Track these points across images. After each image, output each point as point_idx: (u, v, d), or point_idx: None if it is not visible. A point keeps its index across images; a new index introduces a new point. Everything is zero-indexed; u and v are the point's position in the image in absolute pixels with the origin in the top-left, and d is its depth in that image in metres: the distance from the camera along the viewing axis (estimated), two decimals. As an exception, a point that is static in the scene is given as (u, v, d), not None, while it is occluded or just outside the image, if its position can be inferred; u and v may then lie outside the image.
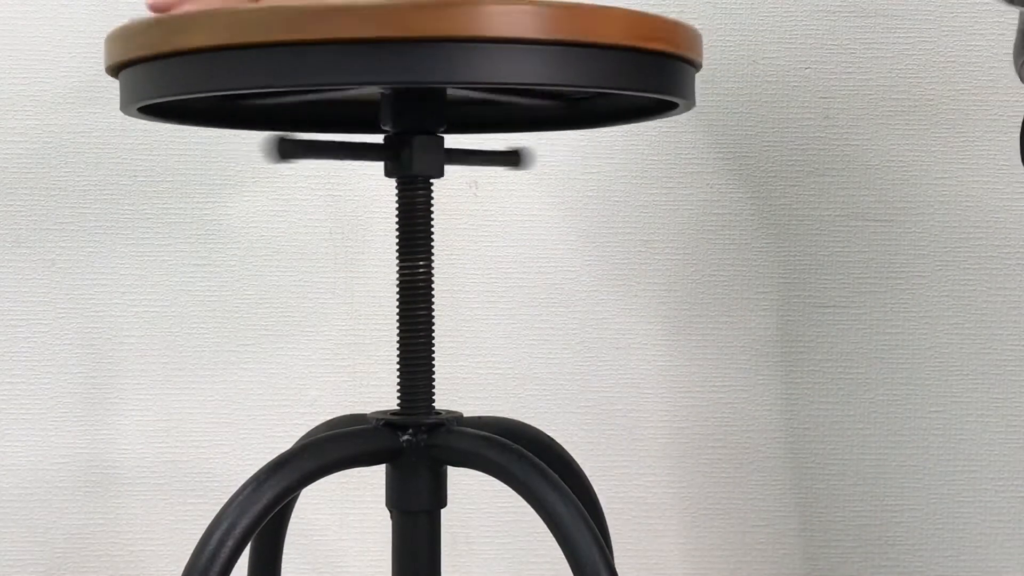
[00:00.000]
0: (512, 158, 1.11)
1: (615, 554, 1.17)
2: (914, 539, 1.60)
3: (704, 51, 1.01)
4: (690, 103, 0.98)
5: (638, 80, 0.92)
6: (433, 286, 1.05)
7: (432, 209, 1.05)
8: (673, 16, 0.94)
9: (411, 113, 1.03)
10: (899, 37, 1.56)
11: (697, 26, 0.98)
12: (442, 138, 1.04)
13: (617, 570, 0.96)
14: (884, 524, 1.59)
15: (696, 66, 0.98)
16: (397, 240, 1.05)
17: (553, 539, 0.96)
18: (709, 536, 1.59)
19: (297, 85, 0.88)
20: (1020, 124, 1.11)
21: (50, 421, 1.54)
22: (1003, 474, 1.59)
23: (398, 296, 1.05)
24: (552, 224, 1.56)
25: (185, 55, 0.89)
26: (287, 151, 0.99)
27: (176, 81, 0.90)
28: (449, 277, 1.54)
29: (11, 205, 1.53)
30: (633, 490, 1.58)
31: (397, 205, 1.05)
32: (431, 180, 1.05)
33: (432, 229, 1.05)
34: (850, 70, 1.56)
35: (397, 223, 1.05)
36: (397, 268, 1.05)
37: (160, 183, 1.54)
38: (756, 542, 1.59)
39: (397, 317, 1.06)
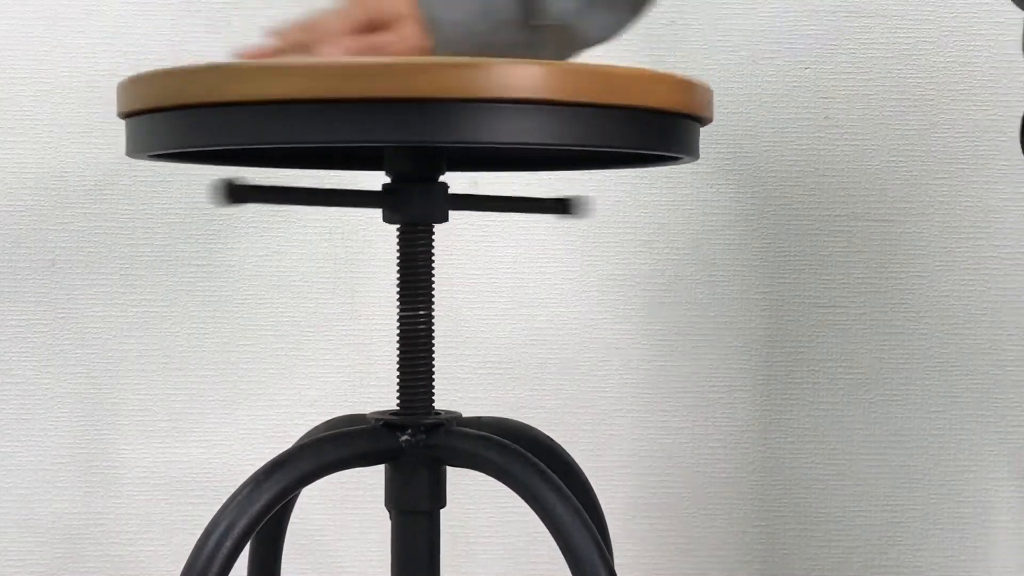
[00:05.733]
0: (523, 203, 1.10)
1: (614, 554, 1.17)
2: (914, 539, 1.60)
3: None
4: (694, 158, 0.97)
5: (644, 140, 0.90)
6: (434, 324, 1.04)
7: (433, 254, 1.03)
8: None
9: (414, 161, 1.02)
10: (899, 37, 1.56)
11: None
12: (445, 184, 1.03)
13: (616, 570, 0.96)
14: (884, 524, 1.59)
15: (704, 123, 0.97)
16: (398, 287, 1.04)
17: (552, 539, 0.96)
18: (709, 536, 1.59)
19: (308, 142, 0.86)
20: (1021, 118, 1.11)
21: (50, 421, 1.54)
22: (1003, 474, 1.59)
23: (399, 343, 1.04)
24: (552, 224, 1.56)
25: (192, 109, 0.87)
26: (238, 195, 0.98)
27: (180, 135, 0.88)
28: (448, 277, 1.54)
29: (11, 205, 1.53)
30: (632, 490, 1.58)
31: (398, 252, 1.03)
32: (433, 226, 1.03)
33: (433, 276, 1.03)
34: (850, 70, 1.56)
35: (398, 270, 1.03)
36: (397, 315, 1.03)
37: (160, 183, 1.54)
38: (756, 542, 1.59)
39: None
